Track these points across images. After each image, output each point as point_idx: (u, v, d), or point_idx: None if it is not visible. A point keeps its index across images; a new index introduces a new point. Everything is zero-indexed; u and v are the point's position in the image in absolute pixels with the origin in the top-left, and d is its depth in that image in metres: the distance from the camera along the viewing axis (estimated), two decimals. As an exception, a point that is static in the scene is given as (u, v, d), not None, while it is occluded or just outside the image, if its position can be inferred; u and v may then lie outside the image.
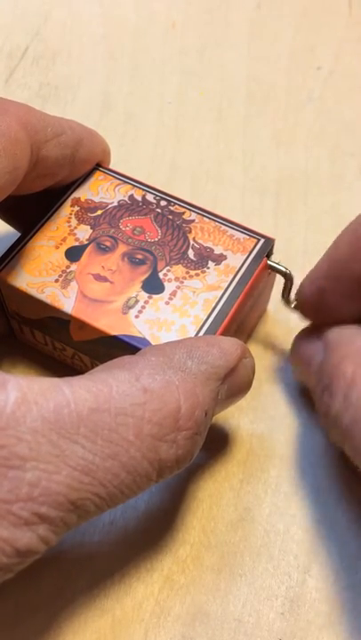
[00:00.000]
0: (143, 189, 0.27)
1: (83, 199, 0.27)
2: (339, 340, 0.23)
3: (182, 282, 0.25)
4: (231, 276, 0.25)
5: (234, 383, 0.21)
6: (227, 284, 0.25)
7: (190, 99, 0.39)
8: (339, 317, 0.24)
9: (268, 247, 0.26)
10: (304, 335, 0.26)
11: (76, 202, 0.27)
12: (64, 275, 0.25)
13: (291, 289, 0.26)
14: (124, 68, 0.41)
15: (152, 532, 0.25)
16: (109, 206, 0.27)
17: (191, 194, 0.35)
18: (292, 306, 0.26)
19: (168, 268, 0.25)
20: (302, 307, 0.26)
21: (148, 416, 0.18)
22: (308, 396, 0.28)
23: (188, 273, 0.25)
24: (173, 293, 0.24)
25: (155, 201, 0.27)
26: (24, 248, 0.25)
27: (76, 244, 0.26)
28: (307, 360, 0.25)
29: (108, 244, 0.26)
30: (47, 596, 0.24)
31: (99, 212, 0.27)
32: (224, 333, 0.24)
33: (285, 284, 0.26)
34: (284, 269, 0.26)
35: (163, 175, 0.36)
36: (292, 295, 0.26)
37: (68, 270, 0.25)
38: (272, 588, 0.24)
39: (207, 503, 0.26)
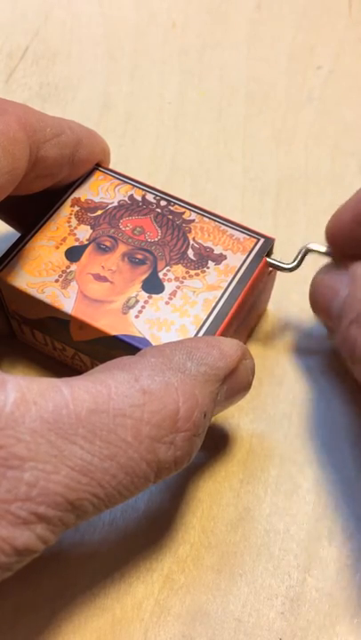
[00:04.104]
0: (143, 189, 0.27)
1: (83, 199, 0.27)
2: None
3: (182, 282, 0.25)
4: (231, 276, 0.25)
5: (233, 384, 0.21)
6: (227, 284, 0.25)
7: (190, 99, 0.39)
8: None
9: (267, 247, 0.26)
10: (327, 270, 0.26)
11: (76, 202, 0.27)
12: (64, 275, 0.25)
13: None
14: (124, 68, 0.41)
15: (152, 531, 0.25)
16: (109, 206, 0.27)
17: (191, 194, 0.35)
18: (322, 249, 0.26)
19: (168, 267, 0.25)
20: (334, 237, 0.25)
21: (146, 417, 0.18)
22: (308, 397, 0.28)
23: (188, 273, 0.25)
24: (173, 293, 0.24)
25: (155, 201, 0.27)
26: (24, 248, 0.25)
27: (76, 244, 0.26)
28: (329, 294, 0.25)
29: (108, 244, 0.26)
30: (47, 596, 0.24)
31: (99, 212, 0.27)
32: (224, 333, 0.24)
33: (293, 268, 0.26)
34: (285, 265, 0.26)
35: (163, 175, 0.36)
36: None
37: (68, 270, 0.25)
38: (272, 587, 0.24)
39: (207, 503, 0.26)
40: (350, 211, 0.24)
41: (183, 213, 0.27)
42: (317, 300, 0.26)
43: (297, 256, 0.26)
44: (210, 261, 0.25)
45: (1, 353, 0.29)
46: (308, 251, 0.26)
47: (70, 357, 0.27)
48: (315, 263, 0.26)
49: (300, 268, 0.26)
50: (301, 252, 0.26)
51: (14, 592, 0.24)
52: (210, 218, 0.27)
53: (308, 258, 0.26)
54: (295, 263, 0.26)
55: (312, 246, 0.26)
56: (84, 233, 0.26)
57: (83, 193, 0.27)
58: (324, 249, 0.26)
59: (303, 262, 0.26)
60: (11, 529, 0.16)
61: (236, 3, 0.44)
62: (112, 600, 0.24)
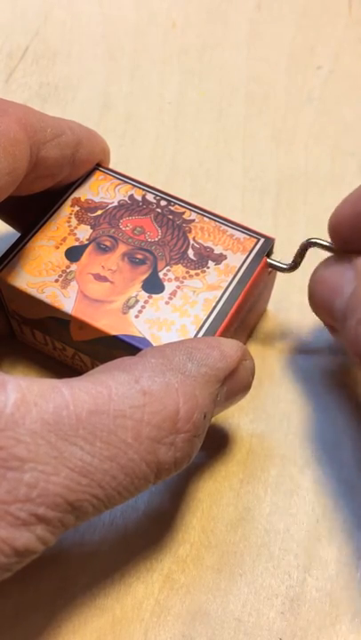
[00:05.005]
0: (143, 189, 0.27)
1: (83, 199, 0.27)
2: None
3: (182, 281, 0.25)
4: (231, 276, 0.25)
5: (233, 385, 0.21)
6: (227, 284, 0.25)
7: (190, 99, 0.39)
8: None
9: (268, 247, 0.26)
10: (328, 264, 0.25)
11: (77, 202, 0.27)
12: (64, 275, 0.25)
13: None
14: (124, 68, 0.41)
15: (152, 531, 0.25)
16: (109, 206, 0.27)
17: (191, 194, 0.35)
18: (326, 244, 0.25)
19: (168, 267, 0.25)
20: (337, 230, 0.24)
21: (146, 418, 0.18)
22: (308, 397, 0.28)
23: (188, 273, 0.25)
24: (173, 293, 0.24)
25: (155, 201, 0.27)
26: (24, 248, 0.25)
27: (77, 243, 0.26)
28: (332, 291, 0.23)
29: (108, 243, 0.26)
30: (47, 596, 0.24)
31: (99, 212, 0.27)
32: (224, 333, 0.24)
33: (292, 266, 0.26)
34: (285, 265, 0.26)
35: (163, 175, 0.36)
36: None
37: (68, 270, 0.25)
38: (272, 587, 0.24)
39: (207, 503, 0.26)
40: (351, 204, 0.23)
41: (183, 213, 0.27)
42: (318, 298, 0.25)
43: (297, 254, 0.26)
44: (210, 261, 0.25)
45: (1, 353, 0.29)
46: (309, 245, 0.25)
47: (70, 357, 0.27)
48: (315, 263, 0.26)
49: (301, 267, 0.26)
50: (301, 247, 0.25)
51: (14, 592, 0.24)
52: (210, 218, 0.27)
53: (308, 259, 0.26)
54: (294, 262, 0.26)
55: (314, 240, 0.25)
56: (85, 233, 0.26)
57: (83, 193, 0.27)
58: (326, 242, 0.25)
59: (303, 262, 0.26)
60: (10, 530, 0.16)
61: (236, 3, 0.44)
62: (112, 600, 0.24)
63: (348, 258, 0.23)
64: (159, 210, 0.27)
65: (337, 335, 0.24)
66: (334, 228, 0.24)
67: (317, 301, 0.25)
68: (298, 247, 0.26)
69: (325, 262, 0.25)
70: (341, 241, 0.24)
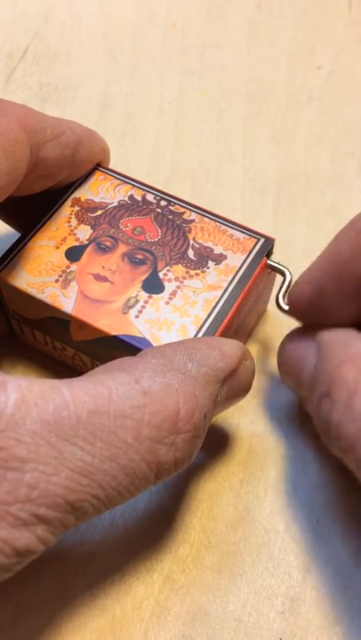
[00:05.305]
0: (143, 189, 0.27)
1: (83, 199, 0.27)
2: (335, 342, 0.22)
3: (182, 282, 0.25)
4: (231, 276, 0.25)
5: (234, 385, 0.21)
6: (227, 284, 0.25)
7: (190, 99, 0.39)
8: (334, 319, 0.23)
9: (268, 247, 0.26)
10: (294, 337, 0.25)
11: (77, 202, 0.27)
12: (64, 275, 0.25)
13: (288, 289, 0.25)
14: (124, 68, 0.41)
15: (152, 531, 0.25)
16: (109, 206, 0.27)
17: (191, 194, 0.35)
18: (286, 309, 0.25)
19: (168, 267, 0.25)
20: (296, 307, 0.24)
21: (147, 419, 0.18)
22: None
23: (188, 273, 0.25)
24: (173, 293, 0.25)
25: (155, 201, 0.27)
26: (24, 248, 0.25)
27: (77, 244, 0.26)
28: (298, 364, 0.23)
29: (108, 243, 0.26)
30: (47, 596, 0.24)
31: (99, 212, 0.27)
32: (224, 333, 0.24)
33: (282, 284, 0.25)
34: (283, 268, 0.26)
35: (163, 175, 0.36)
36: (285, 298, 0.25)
37: (68, 270, 0.25)
38: (272, 587, 0.24)
39: (207, 503, 0.26)
40: (312, 284, 0.23)
41: (183, 213, 0.27)
42: (287, 371, 0.24)
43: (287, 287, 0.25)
44: (210, 261, 0.25)
45: (1, 353, 0.29)
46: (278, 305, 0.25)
47: (70, 357, 0.27)
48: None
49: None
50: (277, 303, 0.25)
51: (14, 592, 0.24)
52: (210, 218, 0.27)
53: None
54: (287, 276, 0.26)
55: (280, 303, 0.25)
56: (85, 233, 0.26)
57: (83, 193, 0.27)
58: (285, 310, 0.25)
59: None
60: (11, 530, 0.16)
61: (236, 3, 0.44)
62: (112, 600, 0.24)
63: (312, 332, 0.23)
64: (159, 210, 0.27)
65: (306, 406, 0.23)
66: (294, 308, 0.24)
67: (286, 374, 0.25)
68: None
69: (290, 336, 0.25)
70: (303, 317, 0.24)
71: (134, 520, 0.25)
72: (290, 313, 0.24)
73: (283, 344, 0.25)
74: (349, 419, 0.19)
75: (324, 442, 0.21)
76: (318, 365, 0.22)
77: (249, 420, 0.28)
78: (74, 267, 0.25)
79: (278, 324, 0.30)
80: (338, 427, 0.20)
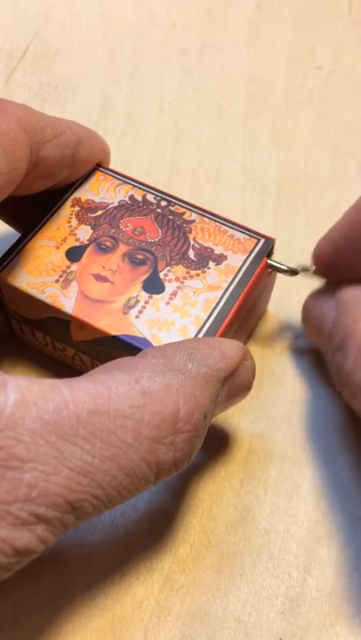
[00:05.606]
0: (143, 189, 0.27)
1: (83, 199, 0.27)
2: (352, 299, 0.24)
3: (183, 282, 0.25)
4: (232, 276, 0.25)
5: (234, 385, 0.21)
6: (227, 284, 0.25)
7: (190, 99, 0.39)
8: (354, 277, 0.25)
9: (268, 247, 0.26)
10: (316, 296, 0.27)
11: (77, 202, 0.27)
12: (64, 275, 0.25)
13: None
14: (124, 68, 0.41)
15: (152, 531, 0.25)
16: (110, 206, 0.27)
17: (191, 194, 0.35)
18: (312, 269, 0.26)
19: (169, 268, 0.25)
20: (318, 264, 0.26)
21: (147, 418, 0.18)
22: (308, 397, 0.28)
23: (188, 273, 0.25)
24: (174, 293, 0.24)
25: (155, 201, 0.27)
26: (24, 248, 0.25)
27: (77, 244, 0.26)
28: (319, 320, 0.25)
29: (108, 244, 0.26)
30: (47, 596, 0.24)
31: (99, 213, 0.27)
32: (224, 333, 0.24)
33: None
34: (285, 267, 0.26)
35: (163, 175, 0.36)
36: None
37: (68, 270, 0.25)
38: (272, 587, 0.24)
39: (207, 503, 0.26)
40: (331, 242, 0.25)
41: (184, 214, 0.27)
42: (309, 324, 0.27)
43: (296, 267, 0.26)
44: (210, 262, 0.25)
45: (1, 353, 0.29)
46: (300, 270, 0.26)
47: (70, 357, 0.27)
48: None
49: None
50: (292, 271, 0.26)
51: (14, 592, 0.24)
52: (210, 218, 0.27)
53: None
54: (293, 271, 0.26)
55: (304, 267, 0.26)
56: (85, 233, 0.26)
57: (83, 193, 0.27)
58: (312, 271, 0.26)
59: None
60: (11, 530, 0.16)
61: (236, 3, 0.44)
62: (112, 600, 0.24)
63: (334, 289, 0.25)
64: (159, 210, 0.27)
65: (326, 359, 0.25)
66: (317, 261, 0.26)
67: (309, 327, 0.27)
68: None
69: (314, 294, 0.27)
70: (325, 273, 0.26)
71: (134, 520, 0.25)
72: (314, 272, 0.26)
73: (307, 301, 0.27)
74: (358, 368, 0.22)
75: (336, 388, 0.23)
76: (336, 320, 0.24)
77: (249, 420, 0.28)
78: (74, 267, 0.25)
79: (278, 324, 0.30)
80: (348, 375, 0.22)
